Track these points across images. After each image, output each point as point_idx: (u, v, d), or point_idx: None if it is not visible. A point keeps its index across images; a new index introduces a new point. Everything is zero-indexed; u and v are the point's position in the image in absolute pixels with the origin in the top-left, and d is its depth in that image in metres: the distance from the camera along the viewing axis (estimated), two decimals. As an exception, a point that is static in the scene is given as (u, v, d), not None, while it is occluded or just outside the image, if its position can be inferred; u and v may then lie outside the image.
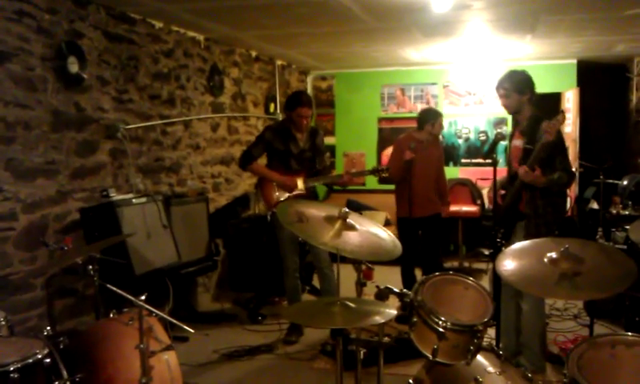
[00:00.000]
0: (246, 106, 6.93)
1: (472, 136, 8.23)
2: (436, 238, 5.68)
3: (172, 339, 3.20)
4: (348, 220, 2.44)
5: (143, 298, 2.74)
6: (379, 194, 8.30)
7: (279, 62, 7.69)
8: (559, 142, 3.85)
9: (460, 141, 8.28)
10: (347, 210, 2.47)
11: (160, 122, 5.35)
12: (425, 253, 5.61)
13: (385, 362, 3.97)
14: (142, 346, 2.70)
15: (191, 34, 5.81)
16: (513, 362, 3.81)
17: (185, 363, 4.08)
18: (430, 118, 5.41)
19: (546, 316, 4.70)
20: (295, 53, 7.19)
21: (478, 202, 7.29)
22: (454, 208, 7.00)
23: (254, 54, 7.06)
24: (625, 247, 4.57)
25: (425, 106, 7.50)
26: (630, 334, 2.44)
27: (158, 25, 5.32)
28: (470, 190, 7.60)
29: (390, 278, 4.39)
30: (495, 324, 3.75)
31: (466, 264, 7.14)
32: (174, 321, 3.19)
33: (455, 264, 7.15)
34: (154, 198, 4.74)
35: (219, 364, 4.45)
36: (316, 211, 2.50)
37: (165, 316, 3.14)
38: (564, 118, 3.73)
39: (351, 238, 2.44)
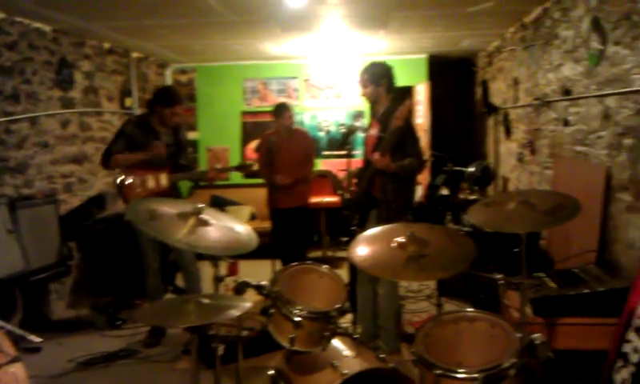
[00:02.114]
0: (99, 100, 6.59)
1: (333, 129, 8.45)
2: (299, 229, 5.85)
3: (21, 351, 3.00)
4: (202, 216, 2.41)
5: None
6: (244, 189, 8.30)
7: (135, 55, 7.40)
8: (409, 128, 4.05)
9: (321, 133, 8.46)
10: (201, 205, 2.43)
11: (3, 119, 4.95)
12: (286, 244, 5.75)
13: (249, 355, 4.02)
14: (-18, 360, 2.50)
15: (37, 24, 5.42)
16: (370, 345, 3.98)
17: (36, 375, 3.84)
18: (277, 112, 5.80)
19: (401, 298, 4.95)
20: (152, 45, 6.96)
21: (339, 192, 7.50)
22: (316, 199, 7.22)
23: (106, 46, 6.74)
24: (471, 229, 4.91)
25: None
26: (471, 310, 2.63)
27: (0, 15, 4.92)
28: (332, 181, 7.80)
29: (260, 271, 4.41)
30: (352, 309, 3.88)
31: (330, 253, 7.34)
32: (16, 330, 2.97)
33: (319, 254, 7.32)
34: (-3, 201, 4.40)
35: (75, 373, 4.22)
36: (169, 208, 2.44)
37: (6, 325, 2.92)
38: (410, 104, 3.94)
39: (206, 233, 2.41)
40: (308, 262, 2.96)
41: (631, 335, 2.77)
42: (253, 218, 7.94)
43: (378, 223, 3.59)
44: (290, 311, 2.51)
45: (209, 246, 2.35)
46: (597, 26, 3.88)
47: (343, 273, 4.09)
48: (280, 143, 5.54)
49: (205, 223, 2.41)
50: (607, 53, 3.77)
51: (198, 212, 2.40)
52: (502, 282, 2.66)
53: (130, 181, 4.58)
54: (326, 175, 7.90)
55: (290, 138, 5.75)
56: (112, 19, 5.45)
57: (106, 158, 4.66)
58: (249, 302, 2.28)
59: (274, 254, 5.58)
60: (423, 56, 8.22)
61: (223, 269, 6.00)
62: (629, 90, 3.47)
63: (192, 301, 2.17)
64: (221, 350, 2.49)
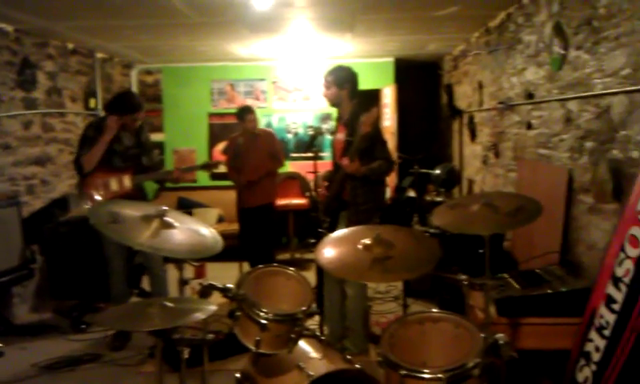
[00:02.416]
0: (62, 101, 6.47)
1: (301, 131, 8.45)
2: (266, 228, 5.88)
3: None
4: (166, 218, 2.38)
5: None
6: (211, 191, 8.24)
7: (99, 55, 7.29)
8: (377, 133, 4.10)
9: (289, 136, 8.45)
10: (165, 207, 2.41)
11: (-38, 120, 4.83)
12: (254, 245, 5.76)
13: (216, 358, 3.99)
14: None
15: (-2, 24, 5.31)
16: (337, 346, 3.99)
17: (-1, 381, 3.76)
18: (239, 115, 5.94)
19: (369, 299, 4.98)
20: (117, 46, 6.87)
21: (307, 194, 7.51)
22: (284, 201, 7.22)
23: (70, 46, 6.61)
24: (437, 231, 4.96)
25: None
26: (435, 310, 2.66)
27: (-41, 15, 4.81)
28: (300, 183, 7.81)
29: (228, 274, 4.39)
30: (320, 311, 3.89)
31: (298, 255, 7.33)
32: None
33: (287, 256, 7.31)
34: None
35: (38, 378, 4.14)
36: (132, 211, 2.41)
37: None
38: (378, 111, 3.97)
39: (170, 236, 2.39)
40: (275, 264, 2.95)
41: (593, 335, 2.83)
42: (220, 220, 7.89)
43: (348, 226, 3.61)
44: (256, 314, 2.50)
45: (173, 249, 2.32)
46: (559, 31, 3.96)
47: (311, 275, 4.11)
48: (246, 145, 5.65)
49: (169, 226, 2.38)
50: (569, 57, 3.85)
51: (162, 214, 2.37)
52: (466, 282, 2.69)
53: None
54: (294, 177, 7.92)
55: (255, 140, 5.83)
56: (76, 19, 5.36)
57: (78, 166, 4.62)
58: (214, 305, 2.26)
59: (241, 257, 5.58)
60: (390, 59, 8.27)
61: (190, 272, 5.99)
62: (590, 94, 3.55)
63: (156, 304, 2.14)
64: (186, 353, 2.47)
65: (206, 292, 2.55)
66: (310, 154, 4.10)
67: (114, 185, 4.59)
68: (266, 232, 5.97)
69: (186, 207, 7.78)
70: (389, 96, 7.85)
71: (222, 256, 2.65)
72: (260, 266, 2.85)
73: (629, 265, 2.63)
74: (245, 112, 5.87)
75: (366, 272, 2.50)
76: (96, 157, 4.54)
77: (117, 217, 2.29)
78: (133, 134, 4.74)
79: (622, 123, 3.18)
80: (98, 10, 4.99)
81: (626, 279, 2.63)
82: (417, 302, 5.28)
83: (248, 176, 5.79)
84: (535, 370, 3.41)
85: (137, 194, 4.71)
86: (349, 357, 2.69)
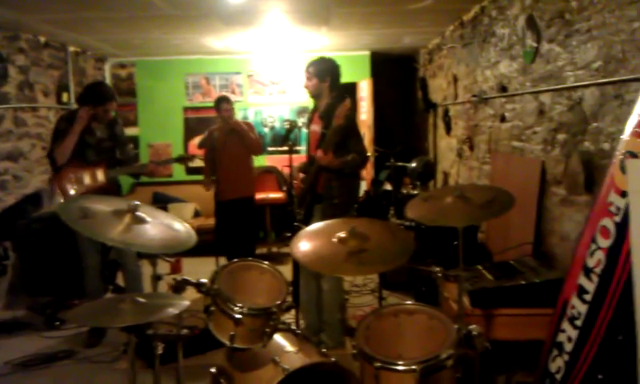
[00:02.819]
0: (34, 95, 6.36)
1: (277, 125, 8.42)
2: (245, 222, 5.85)
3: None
4: (138, 213, 2.35)
5: None
6: (187, 185, 8.18)
7: (72, 49, 7.17)
8: (351, 125, 4.09)
9: (266, 130, 8.42)
10: (136, 202, 2.37)
11: None
12: (231, 239, 5.73)
13: (193, 353, 3.96)
14: None
15: (-34, 17, 5.19)
16: (314, 340, 4.00)
17: (-29, 379, 3.69)
18: (215, 105, 5.87)
19: (346, 293, 4.99)
20: (90, 39, 6.76)
21: (284, 188, 7.50)
22: (261, 195, 7.19)
23: (42, 39, 6.50)
24: (413, 224, 4.98)
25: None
26: (410, 302, 2.67)
27: None
28: (277, 177, 7.79)
29: (205, 269, 4.34)
30: (296, 305, 3.88)
31: (275, 249, 7.32)
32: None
33: (264, 250, 7.28)
34: None
35: (12, 376, 4.09)
36: (103, 206, 2.37)
37: None
38: (349, 103, 3.98)
39: (142, 231, 2.35)
40: (249, 258, 2.93)
41: (565, 325, 2.86)
42: (197, 214, 7.84)
43: (322, 219, 3.59)
44: (230, 308, 2.48)
45: (145, 244, 2.29)
46: (531, 24, 3.99)
47: (288, 269, 4.10)
48: (222, 138, 5.61)
49: (141, 221, 2.35)
50: (541, 50, 3.88)
51: (134, 209, 2.33)
52: (440, 274, 2.71)
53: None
54: (270, 171, 7.89)
55: (231, 133, 5.76)
56: (47, 12, 5.25)
57: (52, 161, 4.55)
58: (187, 300, 2.24)
59: (218, 251, 5.53)
60: (366, 53, 8.27)
61: (166, 267, 5.95)
62: (562, 87, 3.58)
63: (128, 300, 2.12)
64: (160, 349, 2.44)
65: (179, 287, 2.52)
66: (286, 148, 4.07)
67: (87, 179, 4.53)
68: (246, 226, 5.94)
69: (162, 202, 7.71)
70: (365, 89, 7.86)
71: (199, 251, 2.63)
72: (234, 260, 2.83)
73: (600, 255, 2.66)
74: (220, 101, 5.82)
75: (341, 265, 2.50)
76: (68, 148, 4.47)
77: (87, 212, 2.25)
78: (105, 126, 4.68)
79: (593, 115, 3.22)
80: (70, 2, 4.90)
81: (598, 270, 2.66)
82: (393, 295, 5.30)
83: (224, 170, 5.74)
84: (510, 360, 3.44)
85: (111, 189, 4.65)
86: (324, 350, 2.70)
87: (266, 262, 2.83)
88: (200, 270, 3.81)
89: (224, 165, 5.73)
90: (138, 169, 5.12)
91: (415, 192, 6.21)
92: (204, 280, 2.59)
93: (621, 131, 2.60)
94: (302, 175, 4.29)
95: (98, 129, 4.62)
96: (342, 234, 2.58)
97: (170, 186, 8.20)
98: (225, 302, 2.50)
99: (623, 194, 2.49)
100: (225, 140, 5.76)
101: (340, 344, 4.20)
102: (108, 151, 4.68)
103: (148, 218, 2.38)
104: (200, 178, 7.65)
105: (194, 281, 2.55)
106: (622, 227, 2.46)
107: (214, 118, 6.26)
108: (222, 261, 5.50)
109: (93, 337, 4.59)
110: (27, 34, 6.19)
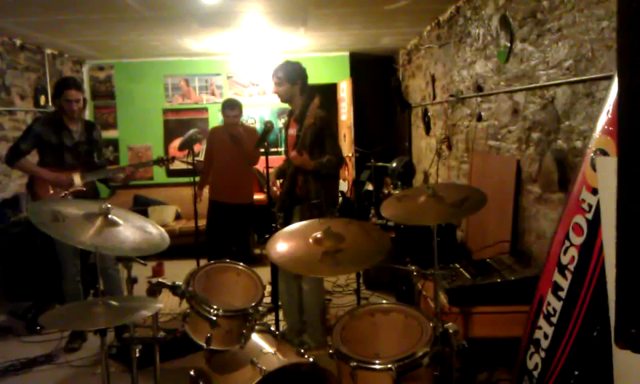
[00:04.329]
0: (11, 99, 6.29)
1: (258, 126, 8.40)
2: (244, 228, 5.84)
3: None
4: (110, 216, 2.33)
5: None
6: (168, 188, 8.14)
7: (49, 51, 7.11)
8: (325, 126, 4.08)
9: (246, 131, 8.39)
10: (108, 205, 2.36)
11: None
12: (222, 242, 5.71)
13: (174, 356, 3.94)
14: None
15: (-60, 20, 5.12)
16: (296, 341, 4.00)
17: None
18: (221, 109, 5.74)
19: (328, 293, 4.99)
20: (67, 41, 6.70)
21: (265, 190, 7.47)
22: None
23: (18, 42, 6.43)
24: (393, 224, 4.99)
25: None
26: (385, 302, 2.69)
27: None
28: (257, 178, 7.75)
29: (187, 272, 4.32)
30: (275, 306, 3.88)
31: (257, 251, 7.29)
32: None
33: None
34: None
35: (-9, 382, 4.05)
36: (75, 209, 2.35)
37: None
38: (319, 101, 4.02)
39: (115, 234, 2.33)
40: (226, 260, 2.92)
41: (541, 322, 2.89)
42: (178, 217, 7.80)
43: (302, 220, 3.59)
44: (206, 310, 2.48)
45: (117, 247, 2.27)
46: (505, 23, 4.02)
47: (268, 270, 4.09)
48: (220, 141, 5.59)
49: (113, 224, 2.33)
50: (515, 50, 3.92)
51: (105, 212, 2.32)
52: (416, 273, 2.72)
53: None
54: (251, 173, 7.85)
55: (234, 140, 5.66)
56: (23, 15, 5.19)
57: (12, 156, 4.45)
58: (161, 303, 2.23)
59: (202, 253, 5.45)
60: (345, 53, 8.29)
61: (148, 271, 5.91)
62: (534, 86, 3.62)
63: (100, 303, 2.10)
64: (137, 351, 2.43)
65: (154, 290, 2.51)
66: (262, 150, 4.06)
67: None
68: (244, 231, 5.92)
69: (142, 205, 7.65)
70: (345, 90, 7.88)
71: (181, 253, 2.61)
72: (210, 261, 2.83)
73: (573, 252, 2.69)
74: (224, 108, 5.68)
75: (316, 265, 2.51)
76: (29, 173, 4.54)
77: (58, 215, 2.23)
78: (84, 129, 4.62)
79: (565, 114, 3.26)
80: (46, 5, 4.85)
81: (571, 266, 2.69)
82: (376, 294, 5.31)
83: (224, 173, 5.69)
84: (488, 358, 3.47)
85: (89, 192, 4.61)
86: (302, 350, 2.70)
87: (242, 264, 2.82)
88: (183, 272, 3.79)
89: (224, 168, 5.66)
90: (115, 172, 5.06)
91: (396, 192, 6.23)
92: (179, 282, 2.58)
93: (592, 129, 2.64)
94: (279, 181, 4.29)
95: (75, 131, 4.57)
96: (318, 235, 2.59)
97: (150, 188, 8.15)
98: (200, 304, 2.49)
99: (595, 192, 2.52)
100: (223, 144, 5.68)
101: (322, 344, 4.19)
102: (85, 155, 4.64)
103: (120, 221, 2.36)
104: (181, 180, 7.65)
105: (169, 283, 2.53)
106: (594, 224, 2.49)
107: (195, 120, 6.22)
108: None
109: (74, 341, 4.55)
110: (3, 37, 6.12)
